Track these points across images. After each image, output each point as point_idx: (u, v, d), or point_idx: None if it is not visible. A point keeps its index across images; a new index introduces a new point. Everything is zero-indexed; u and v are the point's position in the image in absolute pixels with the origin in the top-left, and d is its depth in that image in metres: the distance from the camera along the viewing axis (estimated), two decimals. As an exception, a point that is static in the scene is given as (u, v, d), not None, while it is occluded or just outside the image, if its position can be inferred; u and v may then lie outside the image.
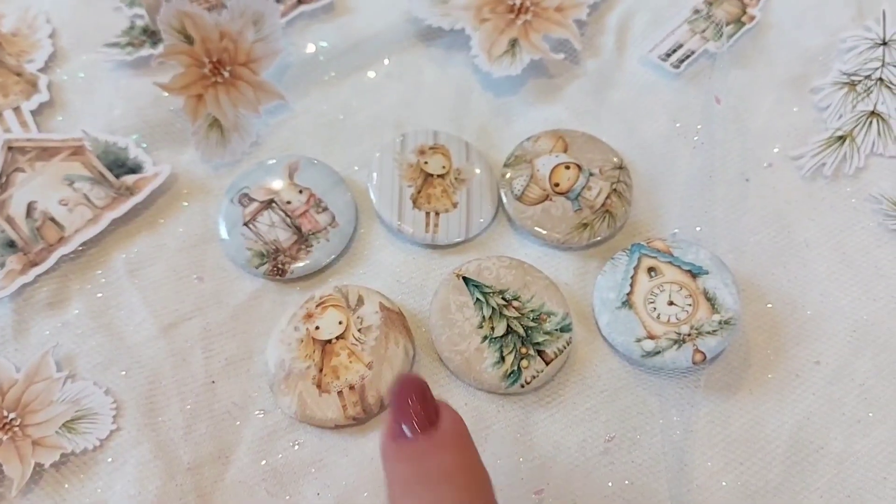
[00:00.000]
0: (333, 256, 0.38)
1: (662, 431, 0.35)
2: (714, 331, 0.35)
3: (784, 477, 0.34)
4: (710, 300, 0.36)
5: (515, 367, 0.35)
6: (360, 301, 0.36)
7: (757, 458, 0.35)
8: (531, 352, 0.35)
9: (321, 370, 0.35)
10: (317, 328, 0.36)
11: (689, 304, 0.36)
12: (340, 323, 0.36)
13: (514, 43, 0.44)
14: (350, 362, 0.35)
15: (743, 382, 0.36)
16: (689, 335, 0.35)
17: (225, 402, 0.36)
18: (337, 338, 0.35)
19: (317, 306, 0.36)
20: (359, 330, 0.36)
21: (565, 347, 0.35)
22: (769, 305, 0.38)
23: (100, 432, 0.35)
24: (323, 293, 0.37)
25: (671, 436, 0.35)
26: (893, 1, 0.47)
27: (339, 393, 0.34)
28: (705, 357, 0.35)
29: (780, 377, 0.36)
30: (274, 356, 0.35)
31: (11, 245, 0.38)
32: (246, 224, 0.39)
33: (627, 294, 0.36)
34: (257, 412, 0.35)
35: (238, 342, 0.37)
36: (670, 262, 0.37)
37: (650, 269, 0.37)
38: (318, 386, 0.34)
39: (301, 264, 0.38)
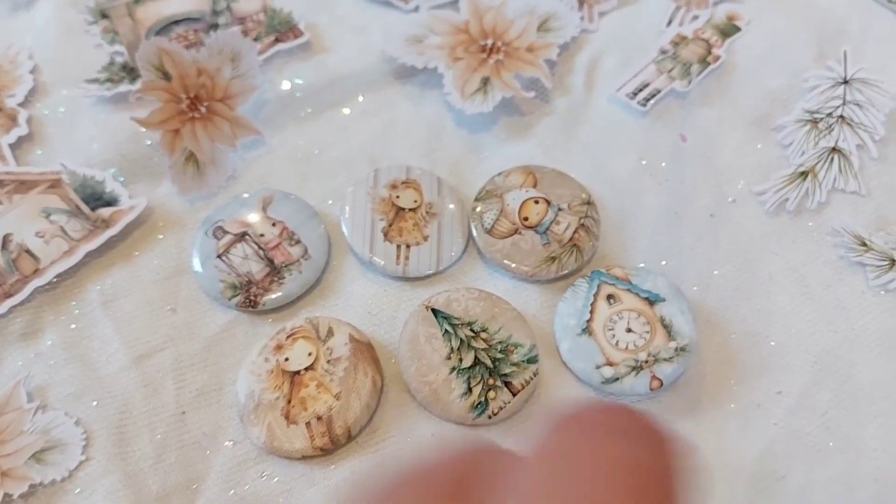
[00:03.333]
0: (306, 288, 0.39)
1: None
2: (670, 357, 0.36)
3: (747, 506, 0.35)
4: (667, 327, 0.37)
5: (483, 399, 0.35)
6: (331, 332, 0.37)
7: (720, 486, 0.35)
8: (498, 383, 0.36)
9: (289, 401, 0.35)
10: (286, 359, 0.36)
11: (647, 332, 0.37)
12: (310, 354, 0.36)
13: (486, 81, 0.45)
14: (318, 393, 0.35)
15: (706, 412, 0.37)
16: (646, 362, 0.36)
17: (195, 432, 0.36)
18: (306, 369, 0.36)
19: (287, 338, 0.37)
20: (328, 361, 0.36)
21: (532, 378, 0.36)
22: (733, 336, 0.39)
23: (69, 463, 0.35)
24: (294, 325, 0.37)
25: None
26: (854, 42, 0.48)
27: (307, 424, 0.35)
28: (662, 383, 0.35)
29: (743, 407, 0.37)
30: (244, 387, 0.36)
31: (-13, 276, 0.39)
32: (219, 256, 0.39)
33: (587, 321, 0.37)
34: (227, 442, 0.36)
35: (209, 373, 0.37)
36: (629, 290, 0.38)
37: (609, 297, 0.38)
38: (287, 417, 0.35)
39: (273, 296, 0.38)
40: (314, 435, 0.34)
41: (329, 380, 0.35)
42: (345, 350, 0.36)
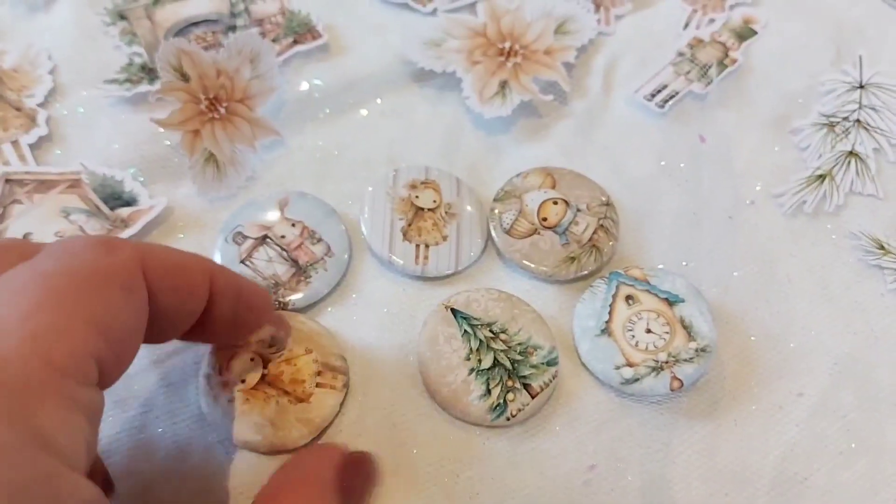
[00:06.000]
0: (332, 286, 0.39)
1: (647, 461, 0.35)
2: (691, 358, 0.36)
3: (768, 508, 0.35)
4: (687, 328, 0.37)
5: (501, 400, 0.35)
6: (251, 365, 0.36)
7: (741, 489, 0.35)
8: (517, 385, 0.36)
9: (288, 392, 0.35)
10: (243, 381, 0.35)
11: (667, 332, 0.37)
12: (252, 359, 0.36)
13: (504, 85, 0.45)
14: (296, 365, 0.35)
15: (727, 414, 0.37)
16: (666, 363, 0.36)
17: (219, 432, 0.36)
18: (265, 367, 0.35)
19: (221, 373, 0.35)
20: (269, 346, 0.36)
21: (551, 381, 0.36)
22: (752, 339, 0.39)
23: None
24: (211, 365, 0.36)
25: (656, 465, 0.35)
26: (870, 46, 0.48)
27: (318, 385, 0.35)
28: (682, 384, 0.35)
29: (764, 409, 0.37)
30: (247, 431, 0.34)
31: (7, 276, 0.39)
32: (243, 262, 0.39)
33: (606, 322, 0.37)
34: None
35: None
36: (647, 291, 0.38)
37: (628, 297, 0.38)
38: (301, 400, 0.35)
39: (301, 295, 0.38)
40: (330, 383, 0.35)
41: (288, 351, 0.36)
42: (267, 329, 0.36)
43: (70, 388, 0.21)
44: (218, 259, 0.39)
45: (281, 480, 0.30)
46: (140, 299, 0.25)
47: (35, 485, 0.19)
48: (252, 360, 0.35)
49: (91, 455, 0.23)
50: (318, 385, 0.35)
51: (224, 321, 0.30)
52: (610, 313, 0.37)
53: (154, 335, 0.28)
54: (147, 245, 0.27)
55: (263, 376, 0.35)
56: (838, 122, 0.45)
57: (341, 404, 0.35)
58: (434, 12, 0.49)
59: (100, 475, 0.32)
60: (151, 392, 0.36)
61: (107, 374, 0.24)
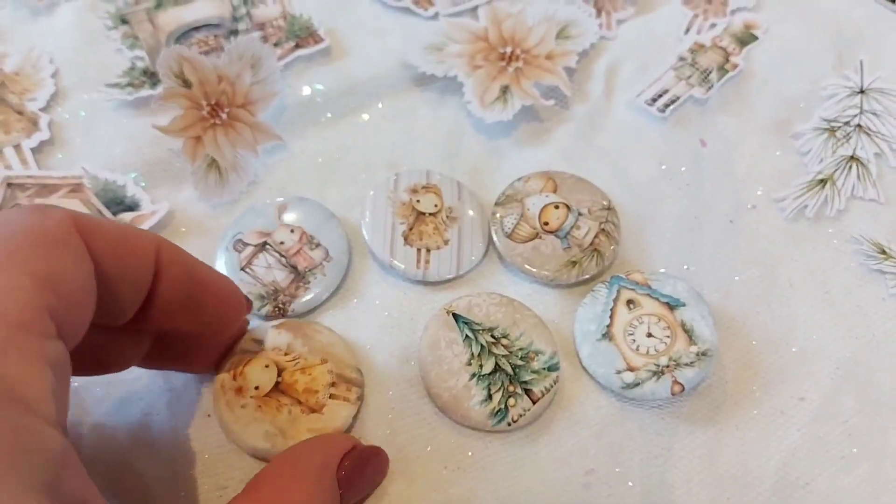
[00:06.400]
0: (331, 290, 0.39)
1: (648, 466, 0.35)
2: (692, 362, 0.36)
3: (770, 513, 0.35)
4: (688, 332, 0.37)
5: (503, 406, 0.35)
6: (259, 341, 0.36)
7: (743, 494, 0.35)
8: (518, 390, 0.36)
9: (301, 402, 0.34)
10: (256, 388, 0.35)
11: (668, 336, 0.37)
12: (267, 366, 0.35)
13: (505, 89, 0.45)
14: (310, 375, 0.35)
15: (728, 419, 0.37)
16: (667, 367, 0.36)
17: (221, 436, 0.36)
18: (280, 375, 0.35)
19: (235, 378, 0.35)
20: (285, 354, 0.36)
21: (552, 386, 0.36)
22: (754, 343, 0.39)
23: (91, 465, 0.35)
24: (226, 369, 0.35)
25: (657, 470, 0.35)
26: (870, 51, 0.48)
27: (332, 396, 0.35)
28: (683, 388, 0.35)
29: (766, 413, 0.37)
30: (257, 438, 0.34)
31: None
32: (243, 269, 0.39)
33: (607, 326, 0.37)
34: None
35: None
36: (649, 295, 0.38)
37: (629, 302, 0.38)
38: (314, 411, 0.34)
39: (301, 301, 0.38)
40: (344, 395, 0.35)
41: (304, 360, 0.35)
42: (284, 336, 0.36)
43: (31, 341, 0.22)
44: (220, 267, 0.39)
45: (279, 465, 0.30)
46: (80, 253, 0.25)
47: (1, 435, 0.19)
48: (267, 366, 0.35)
49: (63, 408, 0.23)
50: (331, 396, 0.35)
51: (177, 304, 0.29)
52: (611, 317, 0.37)
53: (106, 313, 0.27)
54: (81, 213, 0.27)
55: (277, 384, 0.35)
56: (839, 127, 0.45)
57: (354, 417, 0.35)
58: (435, 16, 0.49)
59: None
60: (153, 394, 0.36)
61: (65, 330, 0.23)
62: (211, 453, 0.35)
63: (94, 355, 0.30)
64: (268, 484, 0.29)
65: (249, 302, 0.35)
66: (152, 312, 0.29)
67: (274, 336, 0.36)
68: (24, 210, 0.25)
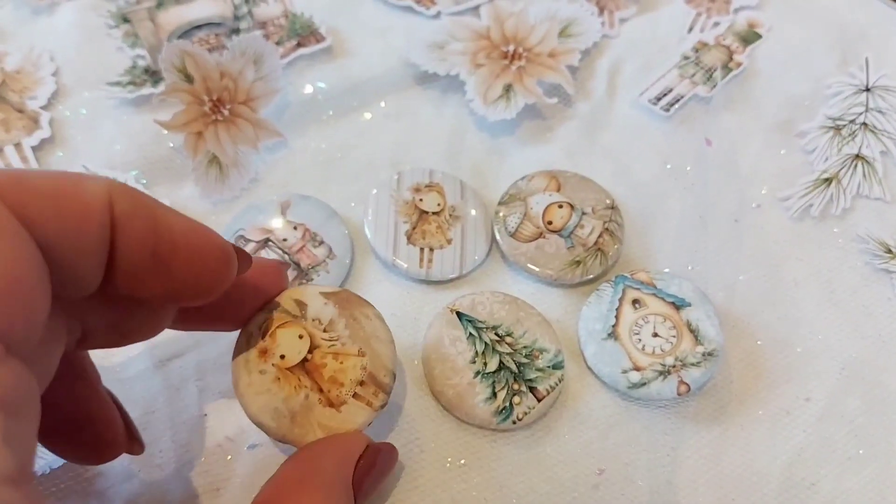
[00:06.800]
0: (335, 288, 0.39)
1: (654, 466, 0.35)
2: (698, 362, 0.36)
3: (776, 514, 0.34)
4: (694, 332, 0.36)
5: (507, 404, 0.35)
6: (302, 305, 0.33)
7: (748, 494, 0.35)
8: (523, 388, 0.35)
9: (321, 390, 0.31)
10: (282, 357, 0.31)
11: (674, 336, 0.36)
12: (301, 337, 0.32)
13: (508, 88, 0.45)
14: (342, 363, 0.31)
15: (734, 419, 0.36)
16: (673, 366, 0.36)
17: (218, 435, 0.36)
18: (310, 352, 0.31)
19: (264, 338, 0.32)
20: (324, 331, 0.32)
21: (557, 384, 0.36)
22: (759, 343, 0.38)
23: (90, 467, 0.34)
24: (259, 323, 0.32)
25: (662, 471, 0.35)
26: (875, 49, 0.48)
27: (355, 395, 0.31)
28: (689, 388, 0.35)
29: (771, 414, 0.37)
30: (264, 413, 0.31)
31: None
32: (245, 265, 0.39)
33: (613, 325, 0.37)
34: (249, 446, 0.35)
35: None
36: (654, 294, 0.38)
37: (634, 301, 0.38)
38: (331, 404, 0.31)
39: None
40: (368, 398, 0.31)
41: (341, 344, 0.32)
42: (330, 310, 0.32)
43: None
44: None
45: (291, 474, 0.28)
46: (15, 235, 0.20)
47: None
48: (301, 337, 0.31)
49: (24, 448, 0.19)
50: (355, 395, 0.31)
51: (142, 266, 0.23)
52: (616, 317, 0.37)
53: (63, 288, 0.22)
54: (13, 171, 0.22)
55: (305, 360, 0.31)
56: (845, 125, 0.45)
57: (370, 425, 0.31)
58: (438, 15, 0.49)
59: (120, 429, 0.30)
60: (152, 394, 0.36)
61: (12, 336, 0.19)
62: (208, 453, 0.35)
63: (111, 328, 0.26)
64: (288, 494, 0.27)
65: (247, 257, 0.28)
66: (116, 278, 0.23)
67: (318, 305, 0.32)
68: None
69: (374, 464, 0.30)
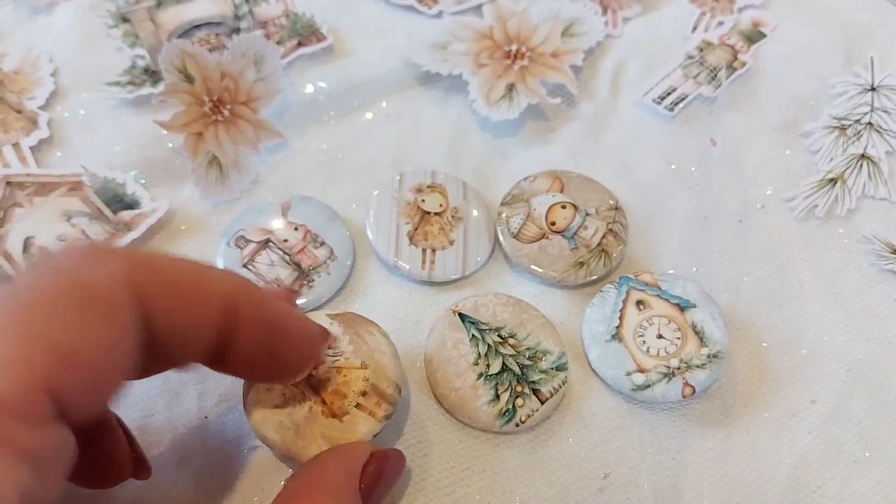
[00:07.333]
0: (335, 290, 0.38)
1: (658, 469, 0.35)
2: (703, 364, 0.35)
3: (782, 517, 0.34)
4: (699, 333, 0.36)
5: (510, 406, 0.35)
6: None
7: (754, 497, 0.34)
8: (526, 390, 0.35)
9: (324, 402, 0.32)
10: None
11: (678, 338, 0.36)
12: None
13: (511, 88, 0.45)
14: (345, 377, 0.32)
15: (739, 421, 0.36)
16: (678, 368, 0.35)
17: (218, 438, 0.35)
18: (315, 367, 0.32)
19: None
20: (329, 347, 0.33)
21: (561, 386, 0.35)
22: (764, 345, 0.38)
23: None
24: None
25: (667, 474, 0.35)
26: (881, 48, 0.48)
27: (358, 405, 0.31)
28: (694, 390, 0.35)
29: (777, 416, 0.36)
30: (269, 426, 0.31)
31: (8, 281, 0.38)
32: (245, 266, 0.39)
33: (617, 327, 0.37)
34: (248, 448, 0.35)
35: (231, 379, 0.37)
36: (658, 296, 0.37)
37: (639, 302, 0.37)
38: (335, 416, 0.31)
39: (305, 300, 0.38)
40: (371, 409, 0.31)
41: (345, 359, 0.32)
42: (335, 329, 0.33)
43: (10, 430, 0.19)
44: (220, 264, 0.39)
45: (299, 485, 0.29)
46: (123, 320, 0.22)
47: None
48: None
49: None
50: (358, 405, 0.32)
51: (253, 357, 0.27)
52: (620, 318, 0.37)
53: (158, 362, 0.25)
54: (148, 256, 0.24)
55: (310, 376, 0.32)
56: (850, 125, 0.44)
57: (375, 435, 0.32)
58: (440, 15, 0.49)
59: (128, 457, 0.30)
60: (152, 397, 0.36)
61: (73, 407, 0.20)
62: (208, 456, 0.35)
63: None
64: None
65: (327, 334, 0.32)
66: (228, 363, 0.26)
67: (324, 324, 0.33)
68: (79, 254, 0.22)
69: (381, 471, 0.30)
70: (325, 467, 0.29)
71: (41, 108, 0.44)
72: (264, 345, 0.27)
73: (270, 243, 0.39)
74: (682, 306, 0.37)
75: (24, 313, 0.20)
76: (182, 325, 0.24)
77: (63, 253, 0.23)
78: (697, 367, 0.35)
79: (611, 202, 0.41)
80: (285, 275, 0.38)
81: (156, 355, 0.24)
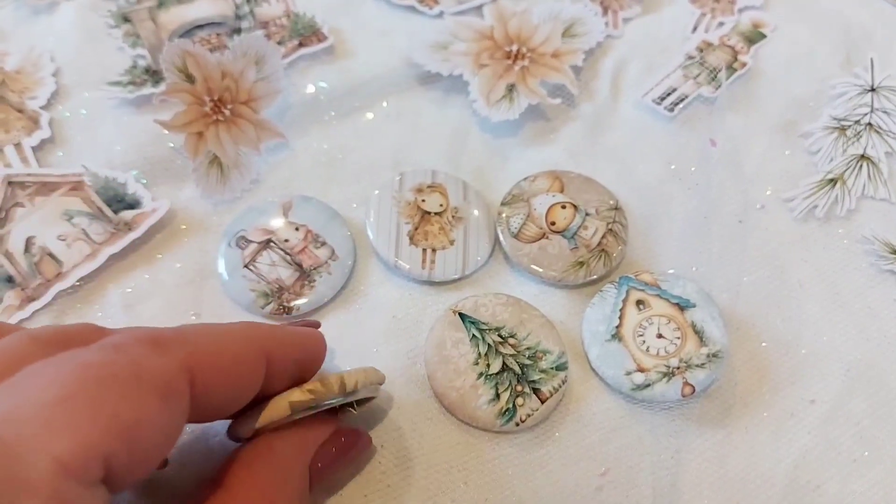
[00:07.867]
0: (337, 290, 0.39)
1: (657, 469, 0.35)
2: (703, 364, 0.35)
3: (781, 517, 0.34)
4: (698, 333, 0.36)
5: (510, 405, 0.35)
6: None
7: (753, 496, 0.34)
8: (526, 390, 0.35)
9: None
10: None
11: (678, 337, 0.36)
12: None
13: (511, 88, 0.45)
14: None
15: (738, 421, 0.36)
16: (678, 368, 0.35)
17: (218, 438, 0.35)
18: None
19: None
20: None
21: (561, 386, 0.35)
22: (763, 345, 0.38)
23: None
24: None
25: (666, 473, 0.35)
26: (881, 49, 0.48)
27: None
28: (694, 390, 0.35)
29: (776, 416, 0.36)
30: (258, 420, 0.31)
31: (10, 280, 0.38)
32: (246, 266, 0.39)
33: (617, 327, 0.37)
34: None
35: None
36: (658, 295, 0.37)
37: (638, 302, 0.37)
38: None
39: (306, 300, 0.38)
40: (315, 388, 0.30)
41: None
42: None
43: (65, 488, 0.20)
44: (221, 265, 0.39)
45: (245, 453, 0.29)
46: (178, 407, 0.25)
47: None
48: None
49: None
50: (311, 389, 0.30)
51: (281, 389, 0.30)
52: (620, 318, 0.37)
53: (201, 419, 0.28)
54: (199, 340, 0.27)
55: None
56: (850, 126, 0.44)
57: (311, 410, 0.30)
58: (440, 15, 0.49)
59: None
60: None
61: (118, 477, 0.22)
62: (208, 456, 0.34)
63: None
64: (237, 472, 0.29)
65: (316, 324, 0.35)
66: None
67: None
68: (143, 340, 0.25)
69: (338, 449, 0.31)
70: (274, 439, 0.30)
71: (43, 107, 0.44)
72: (291, 380, 0.30)
73: (271, 243, 0.39)
74: (682, 306, 0.37)
75: (94, 386, 0.22)
76: (232, 396, 0.28)
77: (127, 336, 0.25)
78: (697, 366, 0.35)
79: (611, 202, 0.41)
80: (286, 275, 0.38)
81: (196, 420, 0.27)
